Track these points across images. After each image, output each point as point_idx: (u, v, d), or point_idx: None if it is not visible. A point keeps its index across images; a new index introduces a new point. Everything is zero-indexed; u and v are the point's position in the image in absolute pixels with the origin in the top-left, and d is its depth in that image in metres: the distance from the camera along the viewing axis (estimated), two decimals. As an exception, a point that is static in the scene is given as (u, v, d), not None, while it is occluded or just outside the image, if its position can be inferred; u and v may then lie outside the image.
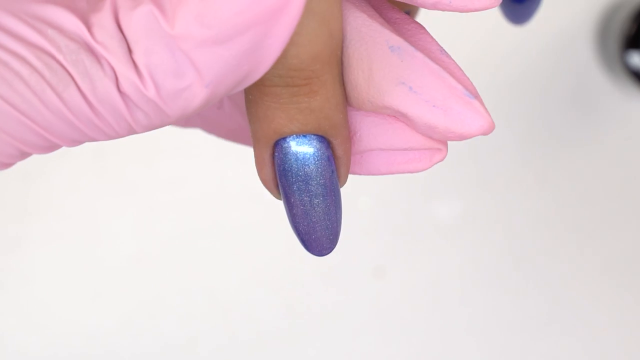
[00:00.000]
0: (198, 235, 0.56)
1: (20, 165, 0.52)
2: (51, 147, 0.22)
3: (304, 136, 0.23)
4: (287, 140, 0.24)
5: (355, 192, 0.56)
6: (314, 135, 0.24)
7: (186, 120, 0.30)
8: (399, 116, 0.24)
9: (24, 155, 0.22)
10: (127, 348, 0.56)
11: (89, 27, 0.20)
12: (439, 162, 0.25)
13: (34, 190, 0.55)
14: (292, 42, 0.21)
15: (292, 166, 0.24)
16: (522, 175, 0.57)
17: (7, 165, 0.22)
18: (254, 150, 0.24)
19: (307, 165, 0.24)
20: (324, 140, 0.24)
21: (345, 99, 0.24)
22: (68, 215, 0.55)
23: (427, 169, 0.26)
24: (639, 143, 0.57)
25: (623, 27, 0.53)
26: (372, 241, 0.57)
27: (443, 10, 0.23)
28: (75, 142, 0.22)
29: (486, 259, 0.57)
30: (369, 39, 0.23)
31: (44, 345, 0.55)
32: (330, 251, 0.26)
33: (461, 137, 0.23)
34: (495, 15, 0.44)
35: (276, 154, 0.24)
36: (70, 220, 0.55)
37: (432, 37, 0.24)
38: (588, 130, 0.57)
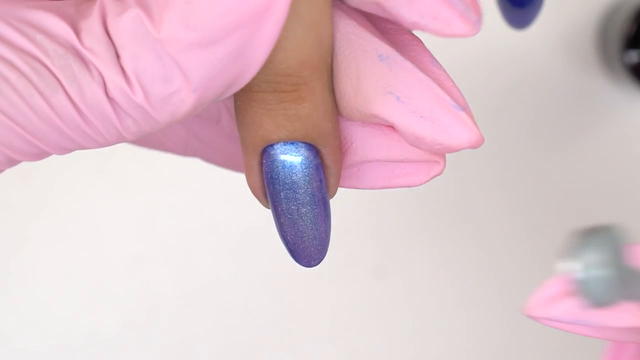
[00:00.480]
0: (198, 235, 0.56)
1: (20, 165, 0.52)
2: (40, 154, 0.21)
3: (292, 143, 0.23)
4: (275, 147, 0.23)
5: (355, 192, 0.56)
6: (302, 143, 0.23)
7: (185, 148, 0.30)
8: (388, 125, 0.23)
9: (12, 162, 0.22)
10: (127, 348, 0.56)
11: (77, 33, 0.20)
12: (437, 175, 0.25)
13: (34, 190, 0.55)
14: (280, 47, 0.21)
15: (279, 174, 0.24)
16: (522, 174, 0.57)
17: None
18: (243, 158, 0.24)
19: (295, 173, 0.24)
20: (313, 149, 0.23)
21: (336, 108, 0.24)
22: (68, 215, 0.55)
23: (424, 182, 0.25)
24: (639, 143, 0.57)
25: (623, 27, 0.53)
26: (372, 241, 0.57)
27: (422, 30, 0.22)
28: (64, 149, 0.21)
29: (487, 259, 0.57)
30: (358, 47, 0.23)
31: (44, 345, 0.55)
32: (319, 262, 0.25)
33: (448, 150, 0.23)
34: (495, 18, 0.44)
35: (264, 161, 0.24)
36: (70, 220, 0.55)
37: (425, 48, 0.24)
38: (588, 130, 0.57)
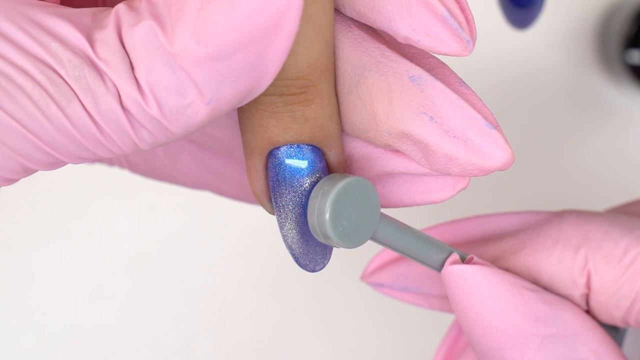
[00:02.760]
0: (198, 235, 0.56)
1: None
2: (55, 163, 0.21)
3: (298, 146, 0.23)
4: (281, 150, 0.23)
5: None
6: (308, 145, 0.23)
7: (195, 181, 0.30)
8: (419, 146, 0.23)
9: (27, 171, 0.21)
10: (127, 348, 0.56)
11: (92, 43, 0.20)
12: (462, 189, 0.25)
13: (34, 190, 0.55)
14: (291, 51, 0.21)
15: (285, 177, 0.23)
16: (522, 174, 0.57)
17: (10, 181, 0.22)
18: (247, 162, 0.24)
19: (301, 176, 0.23)
20: (318, 151, 0.23)
21: (339, 111, 0.24)
22: (68, 215, 0.55)
23: (450, 197, 0.25)
24: (639, 143, 0.57)
25: (623, 27, 0.53)
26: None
27: (414, 45, 0.22)
28: (80, 159, 0.21)
29: (486, 259, 0.57)
30: (389, 69, 0.23)
31: (44, 345, 0.55)
32: (323, 267, 0.25)
33: (481, 170, 0.23)
34: (496, 17, 0.44)
35: (269, 164, 0.23)
36: (70, 221, 0.55)
37: (451, 70, 0.24)
38: (588, 130, 0.57)
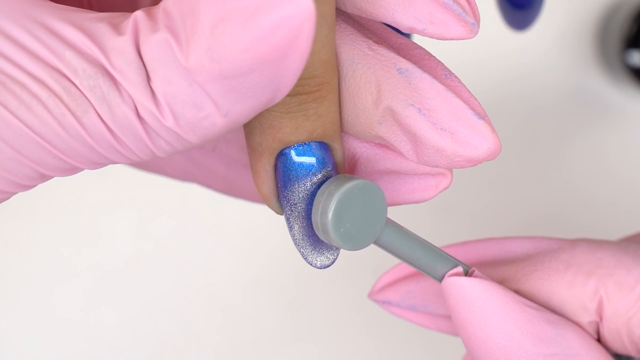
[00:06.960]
0: (197, 235, 0.56)
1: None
2: (71, 169, 0.21)
3: (307, 144, 0.23)
4: (291, 149, 0.23)
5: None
6: (316, 143, 0.23)
7: (184, 174, 0.30)
8: (409, 136, 0.23)
9: (43, 177, 0.21)
10: (127, 348, 0.56)
11: (107, 51, 0.20)
12: (445, 189, 0.25)
13: (34, 190, 0.55)
14: None
15: (297, 175, 0.23)
16: (522, 175, 0.57)
17: (26, 187, 0.22)
18: (255, 165, 0.24)
19: (312, 174, 0.23)
20: (327, 148, 0.23)
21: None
22: (68, 215, 0.55)
23: (433, 197, 0.25)
24: (638, 143, 0.57)
25: (623, 27, 0.53)
26: (372, 241, 0.57)
27: (419, 34, 0.22)
28: (96, 164, 0.21)
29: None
30: (377, 62, 0.23)
31: (44, 345, 0.55)
32: (333, 262, 0.25)
33: (469, 161, 0.23)
34: (495, 18, 0.44)
35: (278, 164, 0.23)
36: (70, 220, 0.55)
37: (438, 61, 0.24)
38: (588, 130, 0.57)
